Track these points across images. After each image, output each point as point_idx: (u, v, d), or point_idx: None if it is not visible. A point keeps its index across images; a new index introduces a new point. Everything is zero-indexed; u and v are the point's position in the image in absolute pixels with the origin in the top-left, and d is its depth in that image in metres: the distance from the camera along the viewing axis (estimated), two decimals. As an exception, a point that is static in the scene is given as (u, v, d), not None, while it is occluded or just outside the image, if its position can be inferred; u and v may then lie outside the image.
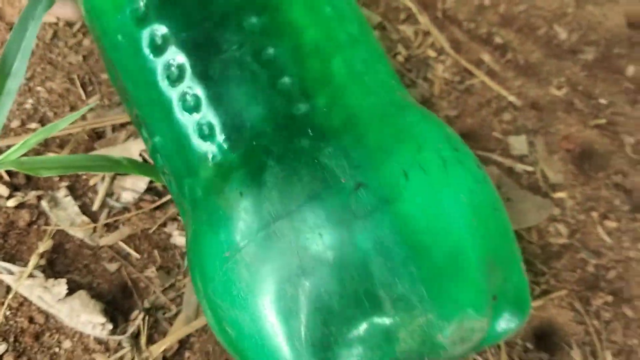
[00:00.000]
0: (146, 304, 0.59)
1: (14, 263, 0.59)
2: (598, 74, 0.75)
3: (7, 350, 0.57)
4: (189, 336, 0.59)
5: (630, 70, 0.76)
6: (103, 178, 0.64)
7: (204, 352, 0.58)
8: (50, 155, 0.62)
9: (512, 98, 0.71)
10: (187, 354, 0.58)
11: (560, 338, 0.61)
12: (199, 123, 0.42)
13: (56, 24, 0.73)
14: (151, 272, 0.61)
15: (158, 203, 0.64)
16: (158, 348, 0.57)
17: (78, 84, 0.70)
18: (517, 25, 0.78)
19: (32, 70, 0.69)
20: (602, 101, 0.72)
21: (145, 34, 0.42)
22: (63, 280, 0.58)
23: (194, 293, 0.58)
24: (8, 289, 0.58)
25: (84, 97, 0.69)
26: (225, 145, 0.41)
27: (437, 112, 0.70)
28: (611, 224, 0.66)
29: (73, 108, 0.67)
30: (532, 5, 0.80)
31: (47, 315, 0.58)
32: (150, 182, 0.64)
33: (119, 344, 0.57)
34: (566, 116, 0.70)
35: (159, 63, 0.42)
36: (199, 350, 0.58)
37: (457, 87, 0.72)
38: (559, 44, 0.77)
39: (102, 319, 0.56)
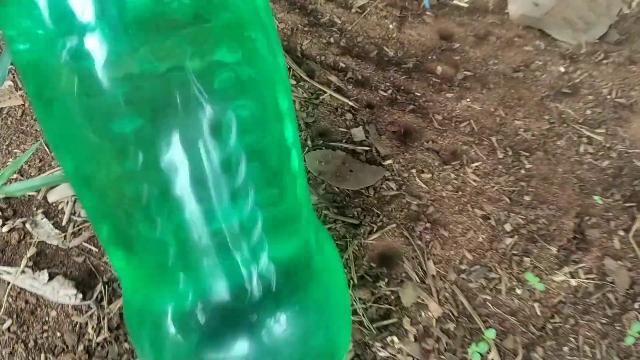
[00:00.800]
0: (105, 279, 0.86)
1: (11, 266, 0.86)
2: (415, 76, 1.04)
3: (12, 324, 0.83)
4: (136, 296, 0.85)
5: (439, 69, 1.05)
6: (67, 202, 0.92)
7: (148, 305, 0.84)
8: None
9: (352, 103, 1.00)
10: (136, 308, 0.84)
11: (396, 257, 0.87)
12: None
13: (23, 104, 1.02)
14: (106, 259, 0.88)
15: (107, 213, 0.91)
16: (115, 305, 0.83)
17: (44, 144, 0.99)
18: (355, 52, 1.07)
19: (10, 138, 0.98)
20: (417, 94, 1.01)
21: None
22: (45, 271, 0.85)
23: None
24: (8, 283, 0.85)
25: (48, 152, 0.98)
26: None
27: (299, 120, 0.99)
28: (426, 176, 0.93)
29: (41, 160, 0.96)
30: (366, 36, 1.10)
31: (37, 297, 0.85)
32: (100, 200, 0.92)
33: (89, 307, 0.84)
34: (390, 108, 0.99)
35: None
36: (144, 305, 0.84)
37: (313, 102, 1.01)
38: (388, 60, 1.07)
39: (74, 291, 0.83)
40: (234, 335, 0.50)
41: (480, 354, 0.81)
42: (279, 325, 0.52)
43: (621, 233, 0.91)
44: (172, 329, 0.51)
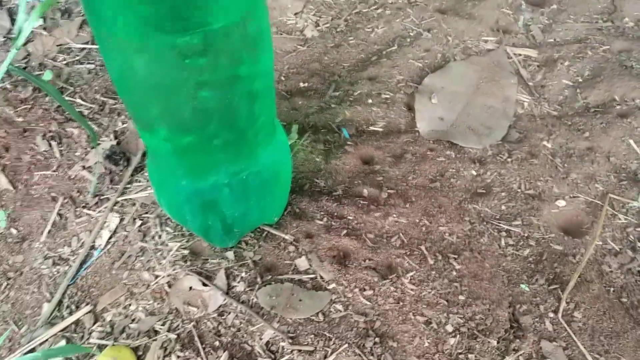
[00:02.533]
0: None
1: None
2: (345, 202, 1.16)
3: None
4: None
5: (365, 191, 1.18)
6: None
7: None
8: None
9: (289, 238, 1.11)
10: None
11: (351, 375, 0.94)
12: None
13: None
14: None
15: None
16: None
17: None
18: (290, 188, 1.19)
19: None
20: (349, 218, 1.12)
21: None
22: None
23: None
24: None
25: None
26: None
27: (247, 260, 1.08)
28: (368, 292, 1.02)
29: None
30: (297, 172, 1.22)
31: None
32: (70, 369, 0.97)
33: None
34: (327, 235, 1.09)
35: None
36: None
37: (257, 239, 1.11)
38: (319, 190, 1.19)
39: None
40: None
41: None
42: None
43: (551, 315, 1.01)
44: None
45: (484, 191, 1.20)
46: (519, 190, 1.21)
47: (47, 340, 1.01)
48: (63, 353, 0.91)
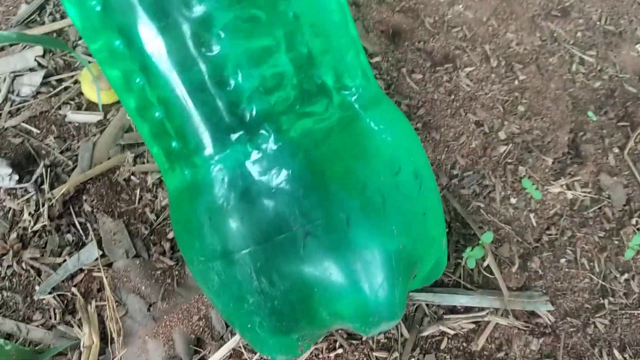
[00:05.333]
0: (47, 162, 0.73)
1: None
2: (404, -20, 0.96)
3: None
4: (84, 184, 0.72)
5: (429, -24, 0.98)
6: (4, 79, 0.78)
7: (98, 194, 0.72)
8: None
9: (337, 0, 0.91)
10: (84, 196, 0.72)
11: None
12: None
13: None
14: (49, 141, 0.74)
15: (53, 92, 0.78)
16: (59, 191, 0.70)
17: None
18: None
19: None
20: (407, -4, 0.93)
21: None
22: (-26, 148, 0.71)
23: (87, 151, 0.72)
24: None
25: (-17, 26, 0.83)
26: None
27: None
28: (417, 76, 0.85)
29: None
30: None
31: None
32: (45, 77, 0.78)
33: (25, 190, 0.70)
34: (378, 7, 0.90)
35: None
36: (94, 193, 0.72)
37: None
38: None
39: (9, 171, 0.69)
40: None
41: (476, 260, 0.73)
42: None
43: (616, 150, 0.86)
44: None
45: (559, 14, 1.02)
46: (598, 22, 1.03)
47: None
48: (40, 41, 0.71)
